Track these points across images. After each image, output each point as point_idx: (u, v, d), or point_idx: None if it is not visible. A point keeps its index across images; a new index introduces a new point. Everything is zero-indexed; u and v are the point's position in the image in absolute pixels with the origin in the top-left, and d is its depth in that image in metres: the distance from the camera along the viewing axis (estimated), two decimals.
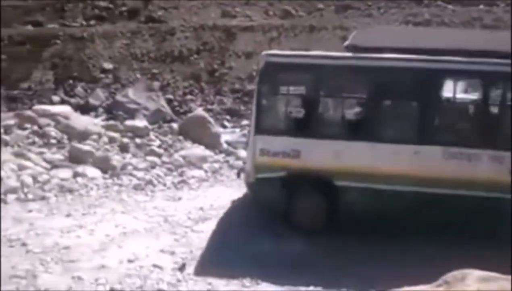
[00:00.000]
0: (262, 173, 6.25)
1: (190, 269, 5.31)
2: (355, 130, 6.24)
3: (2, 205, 6.89)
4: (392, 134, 6.24)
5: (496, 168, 5.72)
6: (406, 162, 5.94)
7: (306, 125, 6.30)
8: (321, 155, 6.12)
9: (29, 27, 16.26)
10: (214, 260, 5.53)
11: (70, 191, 7.51)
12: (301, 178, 6.22)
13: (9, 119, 9.87)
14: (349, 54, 6.44)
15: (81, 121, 10.25)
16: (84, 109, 12.08)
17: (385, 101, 6.41)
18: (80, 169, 8.17)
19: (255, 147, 6.33)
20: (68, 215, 6.68)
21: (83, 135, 9.41)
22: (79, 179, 7.90)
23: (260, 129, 6.33)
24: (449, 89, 6.25)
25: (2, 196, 7.05)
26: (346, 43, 6.77)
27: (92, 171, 8.19)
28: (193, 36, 14.93)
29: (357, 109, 6.45)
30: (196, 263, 5.44)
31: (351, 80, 6.57)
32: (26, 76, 14.10)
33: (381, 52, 6.18)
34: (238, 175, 7.13)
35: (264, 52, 6.80)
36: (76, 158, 8.52)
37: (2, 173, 7.46)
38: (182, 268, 5.26)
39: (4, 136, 8.98)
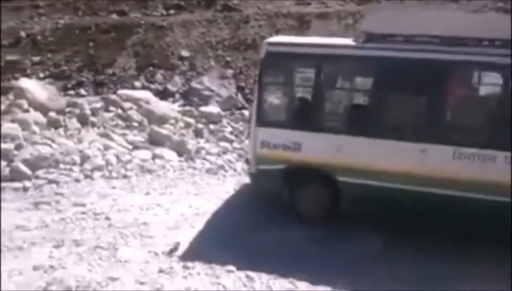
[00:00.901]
0: (262, 164, 6.15)
1: None
2: (359, 125, 5.89)
3: (89, 181, 7.49)
4: (398, 131, 5.78)
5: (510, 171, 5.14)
6: (411, 160, 5.51)
7: (308, 118, 6.08)
8: (322, 149, 5.85)
9: (114, 16, 17.22)
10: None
11: (149, 171, 7.93)
12: (302, 172, 6.02)
13: (96, 103, 10.62)
14: (353, 42, 6.04)
15: (160, 106, 10.72)
16: (163, 95, 12.58)
17: (391, 95, 5.91)
18: (158, 151, 8.60)
19: (256, 138, 6.19)
20: (147, 194, 7.09)
21: (162, 120, 9.88)
22: (157, 161, 8.32)
23: (261, 121, 6.15)
24: (464, 83, 5.77)
25: (89, 173, 7.65)
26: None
27: (169, 154, 8.58)
28: (267, 24, 14.94)
29: (362, 102, 6.12)
30: None
31: (356, 71, 6.25)
32: (111, 62, 14.97)
33: (393, 39, 5.76)
34: (247, 162, 6.91)
35: (266, 40, 6.51)
36: (155, 141, 8.98)
37: (90, 152, 8.08)
38: None
39: (91, 118, 9.71)
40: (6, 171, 7.23)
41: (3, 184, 7.01)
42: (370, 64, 5.90)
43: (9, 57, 15.56)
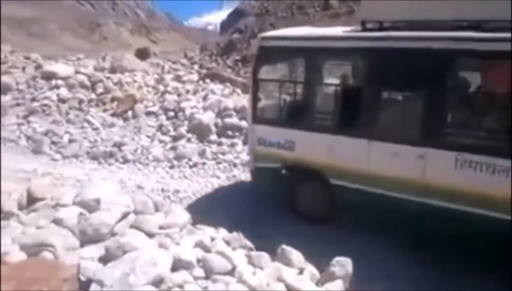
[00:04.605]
0: (260, 162, 6.12)
1: None
2: (352, 125, 5.27)
3: None
4: (393, 132, 5.12)
5: None
6: (406, 166, 4.81)
7: (301, 117, 5.76)
8: (315, 149, 5.54)
9: None
10: None
11: None
12: (297, 172, 5.79)
13: None
14: (349, 33, 5.43)
15: None
16: None
17: (387, 92, 5.28)
18: None
19: (253, 136, 6.13)
20: None
21: None
22: None
23: (256, 119, 6.04)
24: (470, 77, 4.82)
25: None
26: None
27: None
28: None
29: (356, 100, 5.31)
30: None
31: (350, 65, 5.77)
32: None
33: (394, 27, 5.05)
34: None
35: (260, 35, 6.18)
36: None
37: None
38: None
39: None
40: None
41: None
42: (366, 57, 5.22)
43: None
